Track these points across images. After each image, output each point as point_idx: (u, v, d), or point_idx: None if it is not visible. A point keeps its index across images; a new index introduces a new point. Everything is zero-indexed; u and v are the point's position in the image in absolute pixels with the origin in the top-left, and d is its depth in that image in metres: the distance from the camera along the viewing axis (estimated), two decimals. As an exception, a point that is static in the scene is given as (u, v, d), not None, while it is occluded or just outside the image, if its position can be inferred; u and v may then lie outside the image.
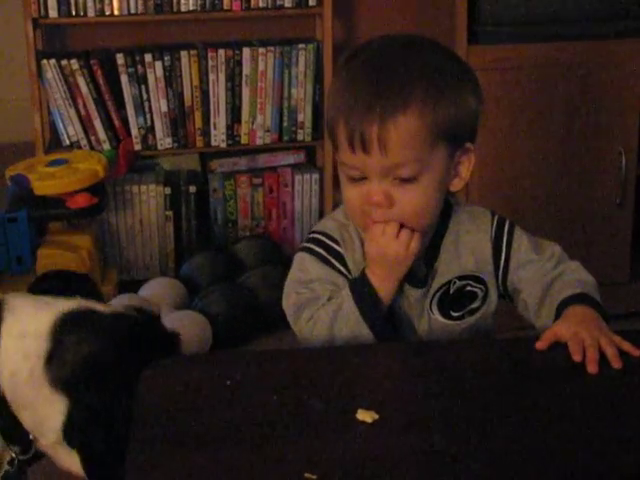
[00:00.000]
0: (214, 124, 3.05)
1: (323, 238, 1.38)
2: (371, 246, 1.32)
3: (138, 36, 3.10)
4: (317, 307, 1.33)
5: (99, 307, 1.29)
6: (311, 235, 1.40)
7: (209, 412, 1.12)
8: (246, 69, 3.02)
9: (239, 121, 3.06)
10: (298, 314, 1.35)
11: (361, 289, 1.32)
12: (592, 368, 1.19)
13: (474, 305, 1.40)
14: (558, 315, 1.30)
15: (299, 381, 1.20)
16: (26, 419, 1.27)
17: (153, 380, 1.17)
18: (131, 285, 2.91)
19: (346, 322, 1.32)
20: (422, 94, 1.24)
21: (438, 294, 1.38)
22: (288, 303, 1.38)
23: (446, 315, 1.39)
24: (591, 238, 2.87)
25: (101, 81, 2.97)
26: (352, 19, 3.24)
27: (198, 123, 3.05)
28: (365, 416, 1.09)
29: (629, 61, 2.75)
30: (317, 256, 1.37)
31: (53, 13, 2.88)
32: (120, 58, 2.96)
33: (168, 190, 3.07)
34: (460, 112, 1.27)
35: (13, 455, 1.28)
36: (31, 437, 1.28)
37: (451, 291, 1.39)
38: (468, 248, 1.39)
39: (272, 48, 3.02)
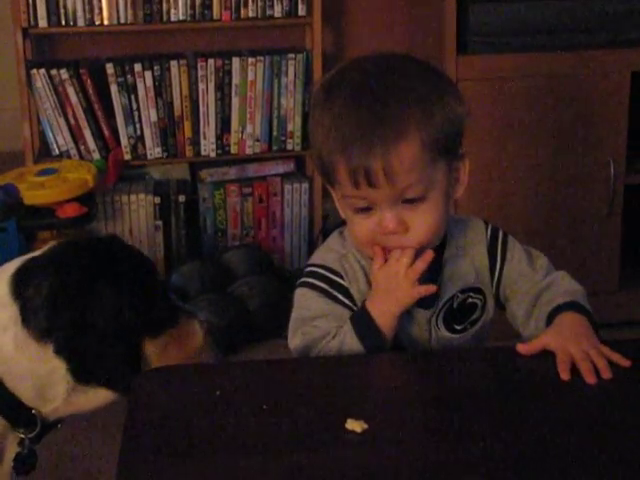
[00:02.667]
0: (204, 134, 3.06)
1: (324, 272, 1.35)
2: (380, 275, 1.29)
3: (128, 46, 3.10)
4: (323, 345, 1.31)
5: (36, 253, 1.34)
6: (310, 269, 1.37)
7: (198, 422, 1.12)
8: (236, 79, 3.02)
9: (229, 131, 3.06)
10: (306, 354, 1.32)
11: (362, 323, 1.30)
12: (590, 379, 1.19)
13: (475, 316, 1.40)
14: (549, 323, 1.30)
15: (288, 391, 1.20)
16: (27, 392, 1.27)
17: (142, 390, 1.17)
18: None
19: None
20: (416, 114, 1.24)
21: (443, 310, 1.38)
22: (295, 344, 1.34)
23: (451, 329, 1.39)
24: (580, 247, 2.87)
25: (91, 91, 2.97)
26: (342, 29, 3.25)
27: (188, 133, 3.05)
28: (354, 426, 1.09)
29: (617, 71, 2.75)
30: (320, 291, 1.34)
31: (43, 23, 2.88)
32: (110, 68, 2.96)
33: (158, 199, 3.06)
34: (451, 122, 1.27)
35: (21, 436, 1.28)
36: (34, 412, 1.28)
37: (455, 305, 1.38)
38: (468, 260, 1.39)
39: (262, 58, 3.03)
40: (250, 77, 3.03)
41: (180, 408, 1.15)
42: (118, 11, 2.92)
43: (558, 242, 2.86)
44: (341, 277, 1.35)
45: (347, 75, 1.30)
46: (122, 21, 2.93)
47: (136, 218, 3.07)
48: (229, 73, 3.02)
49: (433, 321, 1.38)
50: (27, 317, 1.25)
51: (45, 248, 1.35)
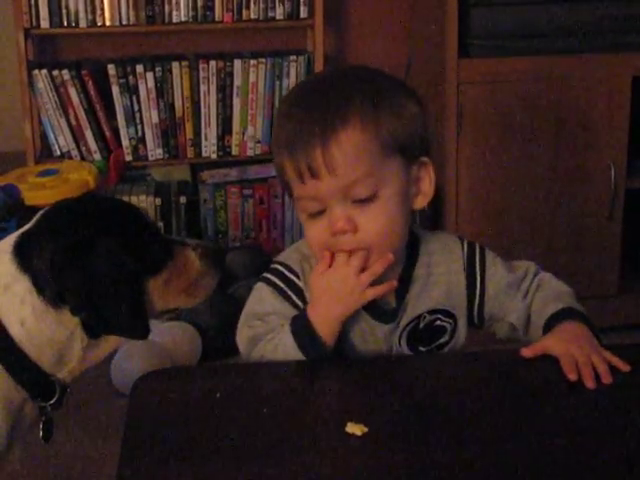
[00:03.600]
0: (205, 135, 3.06)
1: (283, 270, 1.34)
2: (324, 280, 1.27)
3: (129, 47, 3.10)
4: (263, 343, 1.30)
5: (27, 227, 1.39)
6: (273, 265, 1.36)
7: (199, 424, 1.12)
8: (237, 80, 3.03)
9: (230, 132, 3.06)
10: (249, 349, 1.32)
11: (300, 328, 1.28)
12: (590, 384, 1.19)
13: (442, 340, 1.37)
14: (546, 332, 1.30)
15: (289, 394, 1.20)
16: (48, 360, 1.30)
17: (143, 392, 1.17)
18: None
19: (288, 357, 1.28)
20: (359, 108, 1.22)
21: (408, 329, 1.35)
22: (241, 336, 1.35)
23: (414, 350, 1.36)
24: (580, 251, 2.87)
25: (92, 92, 2.97)
26: (343, 31, 3.25)
27: (189, 134, 3.05)
28: (355, 429, 1.09)
29: (618, 75, 2.76)
30: (275, 288, 1.33)
31: (45, 23, 2.88)
32: (111, 69, 2.97)
33: (159, 201, 3.07)
34: (403, 120, 1.25)
35: (42, 404, 1.31)
36: (53, 379, 1.31)
37: (421, 325, 1.35)
38: (440, 281, 1.36)
39: (263, 60, 3.03)
40: (251, 79, 3.03)
41: (180, 410, 1.15)
42: (120, 12, 2.92)
43: (559, 246, 2.86)
44: (298, 277, 1.33)
45: (304, 81, 1.36)
46: (124, 22, 2.93)
47: (137, 219, 3.06)
48: (230, 75, 3.02)
49: (395, 339, 1.35)
50: (40, 287, 1.28)
51: (34, 219, 1.39)
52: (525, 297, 1.37)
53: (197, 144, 3.06)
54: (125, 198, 3.04)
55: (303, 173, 1.22)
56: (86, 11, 2.90)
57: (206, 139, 3.06)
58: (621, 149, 2.80)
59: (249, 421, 1.13)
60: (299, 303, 1.32)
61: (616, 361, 1.22)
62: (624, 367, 1.22)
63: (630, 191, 2.85)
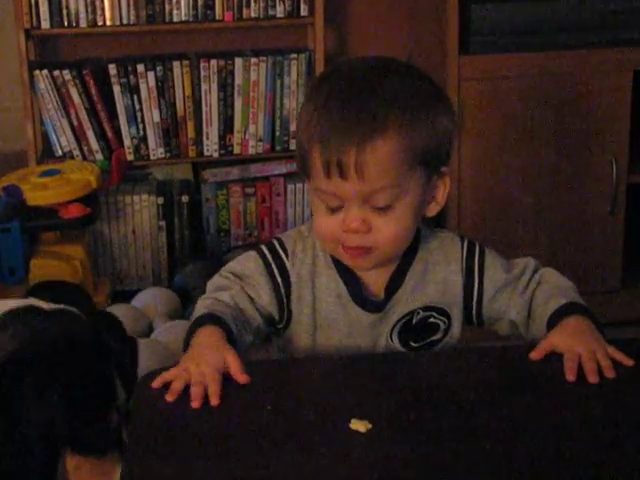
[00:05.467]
0: (206, 134, 3.06)
1: (276, 244, 1.37)
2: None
3: (130, 46, 3.10)
4: (207, 295, 1.32)
5: (44, 305, 1.30)
6: (271, 240, 1.39)
7: (201, 423, 1.13)
8: (238, 79, 3.03)
9: (231, 131, 3.06)
10: (209, 294, 1.34)
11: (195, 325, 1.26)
12: (593, 379, 1.20)
13: (435, 337, 1.38)
14: (550, 327, 1.30)
15: (292, 391, 1.20)
16: None
17: (144, 392, 1.18)
18: (124, 295, 2.91)
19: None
20: (398, 118, 1.23)
21: (400, 323, 1.36)
22: (211, 281, 1.37)
23: (406, 345, 1.37)
24: (583, 246, 2.87)
25: (93, 91, 2.97)
26: (344, 29, 3.25)
27: (191, 133, 3.05)
28: (359, 426, 1.10)
29: (620, 70, 2.76)
30: (261, 258, 1.36)
31: (45, 24, 2.88)
32: (112, 68, 2.97)
33: (161, 200, 3.07)
34: (436, 135, 1.26)
35: None
36: None
37: (414, 321, 1.36)
38: (436, 279, 1.37)
39: (264, 58, 3.03)
40: (253, 77, 3.03)
41: (182, 409, 1.15)
42: (121, 12, 2.92)
43: (561, 241, 2.86)
44: (287, 254, 1.35)
45: (340, 68, 1.31)
46: (125, 22, 2.93)
47: (139, 218, 3.07)
48: (232, 73, 3.02)
49: (387, 332, 1.36)
50: None
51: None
52: (524, 293, 1.37)
53: (199, 143, 3.06)
54: (127, 197, 3.05)
55: (331, 169, 1.23)
56: (87, 11, 2.90)
57: (208, 138, 3.06)
58: (623, 144, 2.80)
59: (252, 418, 1.13)
60: (279, 279, 1.34)
61: (620, 356, 1.22)
62: (628, 362, 1.22)
63: (632, 186, 2.85)
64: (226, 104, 3.04)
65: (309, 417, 1.13)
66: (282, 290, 1.35)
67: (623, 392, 1.19)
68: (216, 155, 3.08)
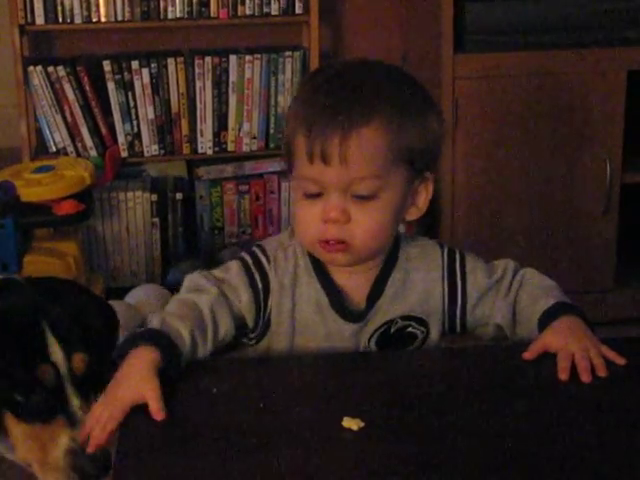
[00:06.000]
0: (201, 131, 3.05)
1: (258, 251, 1.35)
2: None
3: (125, 43, 3.10)
4: (180, 296, 1.30)
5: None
6: (252, 247, 1.37)
7: (195, 420, 1.13)
8: (233, 76, 3.02)
9: (226, 128, 3.06)
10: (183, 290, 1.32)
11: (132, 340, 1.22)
12: (585, 378, 1.20)
13: (413, 347, 1.37)
14: (542, 329, 1.29)
15: (285, 389, 1.20)
16: None
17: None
18: (118, 292, 2.90)
19: None
20: (388, 110, 1.23)
21: (379, 331, 1.35)
22: (190, 277, 1.33)
23: None
24: (576, 246, 2.88)
25: (88, 88, 2.97)
26: (339, 27, 3.25)
27: (185, 130, 3.05)
28: (351, 424, 1.10)
29: (614, 70, 2.76)
30: (243, 265, 1.33)
31: (40, 20, 2.87)
32: (107, 65, 2.96)
33: (154, 197, 3.06)
34: (424, 136, 1.26)
35: None
36: None
37: (392, 330, 1.35)
38: (417, 288, 1.35)
39: (259, 55, 3.03)
40: (247, 75, 3.03)
41: (176, 406, 1.15)
42: (115, 8, 2.92)
43: (554, 240, 2.87)
44: (268, 261, 1.33)
45: (328, 66, 1.32)
46: (119, 18, 2.92)
47: (133, 215, 3.07)
48: (226, 71, 3.02)
49: (364, 340, 1.34)
50: None
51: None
52: (507, 296, 1.36)
53: (193, 140, 3.06)
54: (121, 194, 3.04)
55: (315, 154, 1.23)
56: (81, 7, 2.89)
57: (202, 135, 3.06)
58: (617, 144, 2.80)
59: (245, 416, 1.13)
60: (259, 286, 1.32)
61: (612, 355, 1.23)
62: (620, 360, 1.22)
63: (626, 186, 2.86)
64: (220, 101, 3.04)
65: (301, 415, 1.13)
66: (261, 296, 1.32)
67: (617, 391, 1.19)
68: (210, 152, 3.08)
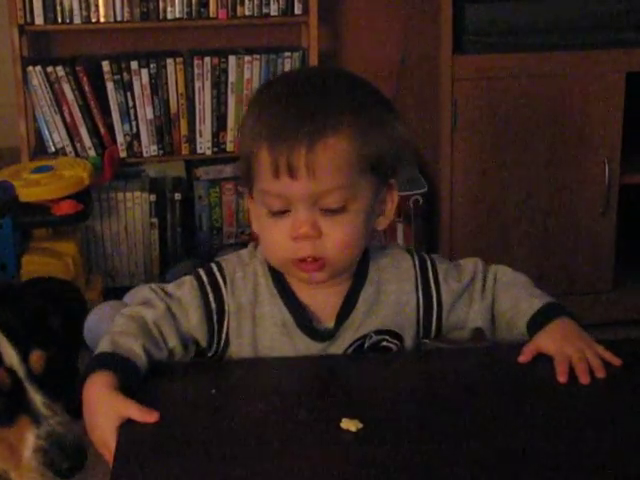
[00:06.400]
0: (200, 131, 3.06)
1: (215, 269, 1.30)
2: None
3: (124, 43, 3.10)
4: (129, 310, 1.26)
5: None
6: (210, 263, 1.32)
7: (194, 421, 1.13)
8: (232, 77, 3.03)
9: (225, 129, 3.06)
10: (133, 305, 1.28)
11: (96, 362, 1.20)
12: (584, 380, 1.19)
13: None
14: (532, 331, 1.28)
15: (284, 390, 1.20)
16: None
17: (138, 389, 1.17)
18: (116, 292, 2.91)
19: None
20: (354, 117, 1.18)
21: (352, 347, 1.30)
22: (140, 291, 1.31)
23: None
24: (575, 247, 2.88)
25: (87, 88, 2.97)
26: (338, 27, 3.25)
27: (184, 130, 3.05)
28: (349, 425, 1.10)
29: (612, 72, 2.76)
30: (198, 282, 1.28)
31: (39, 20, 2.88)
32: (106, 65, 2.96)
33: (153, 197, 3.06)
34: (390, 141, 1.22)
35: None
36: None
37: (366, 345, 1.30)
38: (389, 301, 1.31)
39: (258, 56, 3.03)
40: (246, 75, 3.03)
41: (176, 406, 1.15)
42: (114, 8, 2.92)
43: (553, 241, 2.87)
44: (224, 281, 1.28)
45: (281, 78, 1.28)
46: (118, 19, 2.93)
47: (131, 216, 3.07)
48: (225, 71, 3.02)
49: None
50: None
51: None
52: (483, 298, 1.33)
53: (192, 140, 3.06)
54: (120, 194, 3.04)
55: (280, 169, 1.16)
56: (80, 7, 2.89)
57: (201, 135, 3.06)
58: (615, 145, 2.81)
59: (244, 417, 1.13)
60: (213, 306, 1.27)
61: (609, 355, 1.22)
62: (616, 361, 1.22)
63: (624, 187, 2.86)
64: (219, 102, 3.04)
65: (299, 416, 1.13)
66: (214, 317, 1.27)
67: (616, 392, 1.19)
68: (209, 153, 3.08)
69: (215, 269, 1.30)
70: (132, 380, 1.18)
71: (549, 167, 2.82)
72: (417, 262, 1.33)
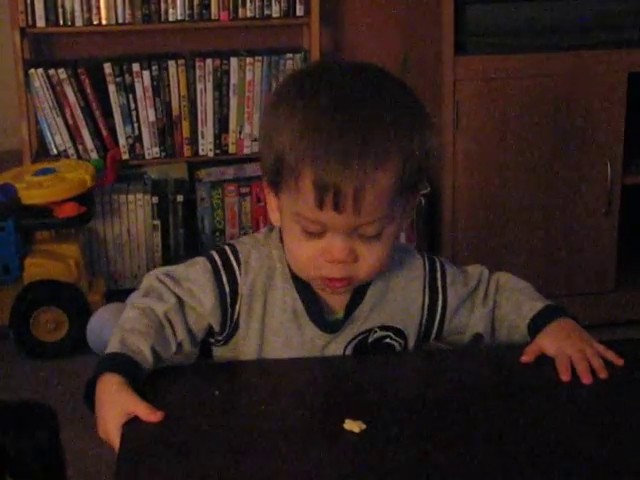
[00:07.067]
0: (202, 133, 3.06)
1: (229, 251, 1.28)
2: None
3: (126, 45, 3.10)
4: (140, 301, 1.25)
5: None
6: (223, 245, 1.31)
7: (197, 422, 1.13)
8: (234, 79, 3.03)
9: (227, 130, 3.06)
10: (138, 297, 1.27)
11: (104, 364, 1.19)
12: (586, 380, 1.19)
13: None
14: (533, 334, 1.28)
15: (286, 391, 1.20)
16: None
17: (141, 390, 1.18)
18: (119, 294, 2.91)
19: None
20: (399, 145, 1.14)
21: (356, 340, 1.30)
22: (146, 280, 1.28)
23: None
24: (577, 247, 2.88)
25: (89, 90, 2.97)
26: (339, 29, 3.25)
27: (186, 132, 3.05)
28: (352, 426, 1.10)
29: (614, 72, 2.76)
30: (211, 264, 1.27)
31: (41, 22, 2.88)
32: (108, 67, 2.97)
33: (155, 199, 3.07)
34: (426, 157, 1.19)
35: None
36: None
37: (370, 340, 1.30)
38: (397, 298, 1.31)
39: (260, 58, 3.03)
40: (248, 77, 3.03)
41: (179, 408, 1.15)
42: (116, 11, 2.92)
43: (555, 241, 2.87)
44: (238, 262, 1.27)
45: (324, 79, 1.19)
46: (120, 21, 2.93)
47: (134, 218, 3.07)
48: (227, 73, 3.02)
49: (340, 350, 1.29)
50: None
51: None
52: (485, 304, 1.33)
53: (194, 142, 3.07)
54: (122, 197, 3.05)
55: (325, 201, 1.13)
56: (82, 10, 2.90)
57: (203, 137, 3.06)
58: (617, 145, 2.80)
59: (247, 419, 1.13)
60: (226, 289, 1.26)
61: (610, 355, 1.22)
62: (618, 361, 1.22)
63: (627, 187, 2.86)
64: (221, 104, 3.04)
65: (303, 417, 1.13)
66: (228, 300, 1.26)
67: (619, 393, 1.19)
68: (211, 154, 3.08)
69: (229, 251, 1.28)
70: (137, 380, 1.18)
71: (551, 167, 2.82)
72: (427, 263, 1.33)
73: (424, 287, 1.32)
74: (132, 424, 1.12)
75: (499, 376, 1.25)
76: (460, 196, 2.82)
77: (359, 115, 1.14)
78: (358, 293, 1.29)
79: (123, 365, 1.18)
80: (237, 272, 1.27)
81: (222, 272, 1.27)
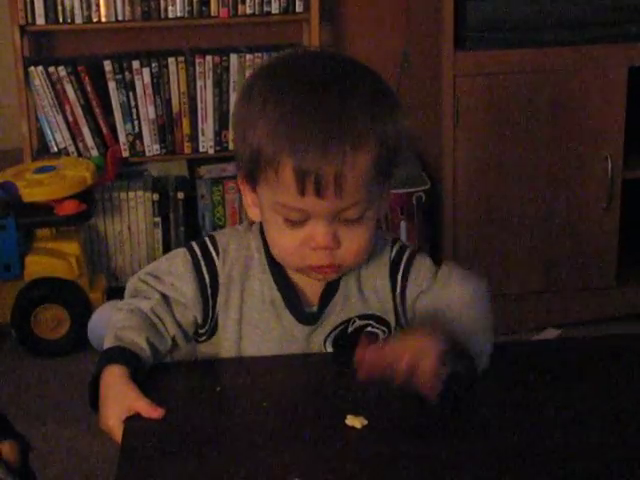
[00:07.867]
0: (202, 130, 3.06)
1: (208, 242, 1.29)
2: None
3: (126, 43, 3.10)
4: (125, 303, 1.27)
5: None
6: (204, 237, 1.31)
7: (199, 419, 1.13)
8: (234, 75, 3.03)
9: (227, 127, 3.06)
10: (127, 298, 1.29)
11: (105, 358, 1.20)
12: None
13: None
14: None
15: (289, 387, 1.21)
16: None
17: (143, 386, 1.18)
18: (119, 292, 2.89)
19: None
20: (376, 126, 1.15)
21: (335, 332, 1.29)
22: (130, 283, 1.31)
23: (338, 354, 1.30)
24: (578, 242, 2.88)
25: (89, 88, 2.97)
26: (339, 25, 3.25)
27: (186, 129, 3.05)
28: (354, 422, 1.10)
29: (614, 66, 2.76)
30: (191, 256, 1.28)
31: (40, 20, 2.88)
32: (108, 65, 2.96)
33: (156, 196, 3.07)
34: (399, 140, 1.19)
35: None
36: None
37: (349, 329, 1.29)
38: (369, 286, 1.30)
39: (260, 54, 3.03)
40: (248, 74, 3.02)
41: (180, 404, 1.16)
42: (116, 8, 2.92)
43: (556, 236, 2.86)
44: (217, 254, 1.27)
45: (294, 68, 1.20)
46: (120, 18, 2.93)
47: (134, 215, 3.07)
48: (227, 70, 3.02)
49: (321, 342, 1.29)
50: None
51: None
52: (440, 305, 1.25)
53: (194, 139, 3.06)
54: (123, 194, 3.05)
55: (307, 189, 1.14)
56: (82, 7, 2.90)
57: (203, 134, 3.06)
58: (618, 140, 2.80)
59: (249, 415, 1.13)
60: (206, 278, 1.27)
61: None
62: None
63: (627, 182, 2.86)
64: (221, 100, 3.04)
65: (305, 413, 1.13)
66: (209, 290, 1.27)
67: (615, 391, 1.19)
68: (211, 151, 3.08)
69: (208, 241, 1.30)
70: (139, 372, 1.19)
71: (551, 162, 2.81)
72: (395, 248, 1.31)
73: (390, 272, 1.30)
74: (134, 419, 1.12)
75: (502, 372, 1.24)
76: (460, 191, 2.82)
77: (333, 101, 1.15)
78: (331, 283, 1.28)
79: (123, 356, 1.19)
80: (216, 261, 1.28)
81: (202, 262, 1.28)
